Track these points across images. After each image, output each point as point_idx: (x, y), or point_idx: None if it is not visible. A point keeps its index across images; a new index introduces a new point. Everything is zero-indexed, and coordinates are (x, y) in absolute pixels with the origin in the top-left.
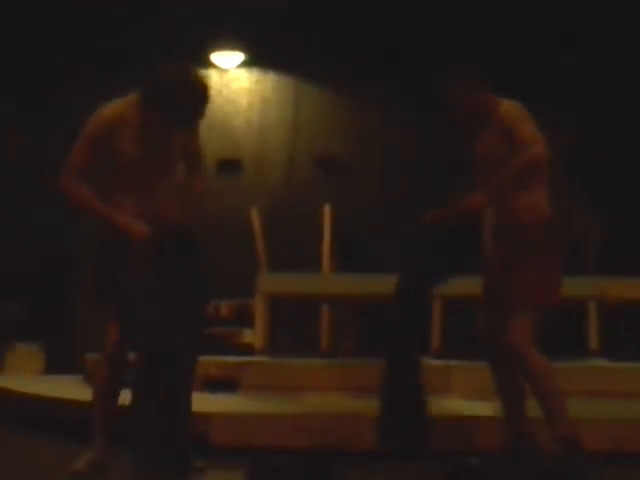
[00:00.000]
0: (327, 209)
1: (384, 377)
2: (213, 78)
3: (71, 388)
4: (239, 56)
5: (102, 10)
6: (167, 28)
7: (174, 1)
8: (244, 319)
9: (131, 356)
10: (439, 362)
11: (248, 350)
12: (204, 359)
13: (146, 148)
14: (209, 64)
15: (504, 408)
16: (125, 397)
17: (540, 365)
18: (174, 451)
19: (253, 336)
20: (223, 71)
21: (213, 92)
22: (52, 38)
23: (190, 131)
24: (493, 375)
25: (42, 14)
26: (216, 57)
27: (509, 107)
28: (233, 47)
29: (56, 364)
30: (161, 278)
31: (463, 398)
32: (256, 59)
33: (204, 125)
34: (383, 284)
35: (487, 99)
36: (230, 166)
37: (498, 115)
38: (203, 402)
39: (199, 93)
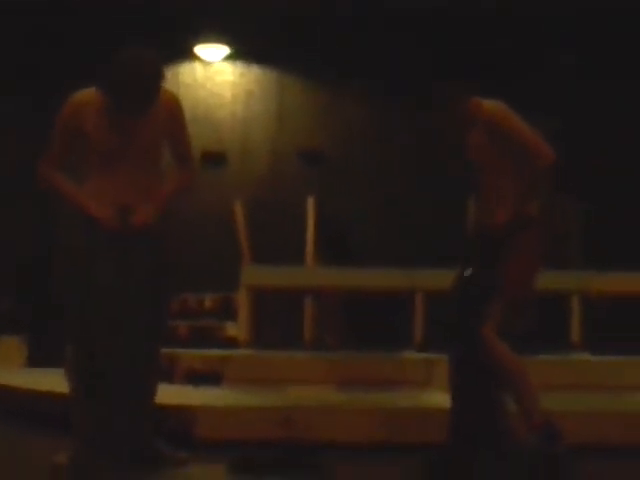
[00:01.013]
0: (311, 201)
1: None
2: (197, 71)
3: (53, 381)
4: (223, 49)
5: (100, 9)
6: (152, 22)
7: None
8: (228, 312)
9: None
10: (421, 355)
11: (232, 343)
12: (188, 352)
13: (116, 134)
14: (193, 57)
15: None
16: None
17: (509, 358)
18: (119, 440)
19: (237, 329)
20: (207, 64)
21: (197, 85)
22: (52, 38)
23: (169, 121)
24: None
25: (42, 14)
26: (200, 50)
27: (492, 107)
28: (217, 40)
29: (39, 357)
30: (116, 269)
31: (444, 391)
32: (240, 52)
33: (189, 118)
34: (366, 277)
35: (473, 103)
36: (214, 159)
37: (482, 116)
38: (187, 395)
39: (142, 76)
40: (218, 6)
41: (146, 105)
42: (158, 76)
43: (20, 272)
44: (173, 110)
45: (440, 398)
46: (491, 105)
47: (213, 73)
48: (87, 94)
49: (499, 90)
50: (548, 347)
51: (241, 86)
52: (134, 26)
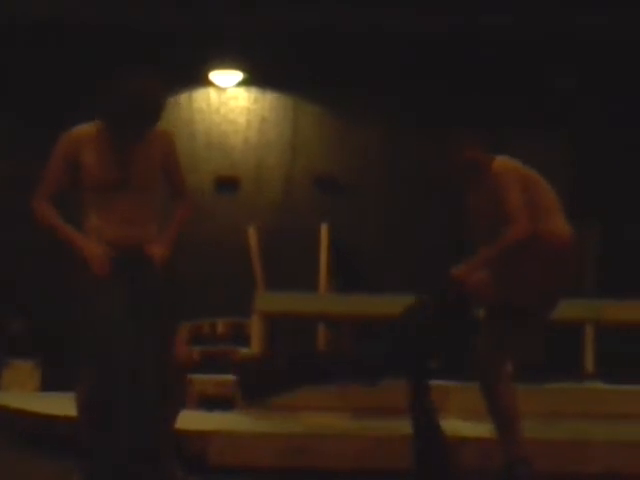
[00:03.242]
0: (324, 228)
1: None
2: (212, 96)
3: (67, 405)
4: (238, 75)
5: (114, 34)
6: (167, 47)
7: (175, 20)
8: (240, 338)
9: None
10: (437, 383)
11: None
12: (201, 377)
13: (112, 169)
14: (208, 82)
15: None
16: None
17: (509, 389)
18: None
19: (250, 355)
20: (222, 90)
21: (211, 110)
22: (67, 56)
23: (163, 154)
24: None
25: (57, 31)
26: (215, 76)
27: (500, 169)
28: (232, 66)
29: (52, 381)
30: (117, 299)
31: (460, 419)
32: (254, 78)
33: (203, 143)
34: (380, 304)
35: (484, 159)
36: (228, 184)
37: (490, 175)
38: (200, 420)
39: (137, 104)
40: (233, 32)
41: (144, 131)
42: (159, 103)
43: (34, 295)
44: (168, 145)
45: (455, 425)
46: (499, 167)
47: (227, 99)
48: (85, 129)
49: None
50: (561, 375)
51: (255, 112)
52: (149, 52)
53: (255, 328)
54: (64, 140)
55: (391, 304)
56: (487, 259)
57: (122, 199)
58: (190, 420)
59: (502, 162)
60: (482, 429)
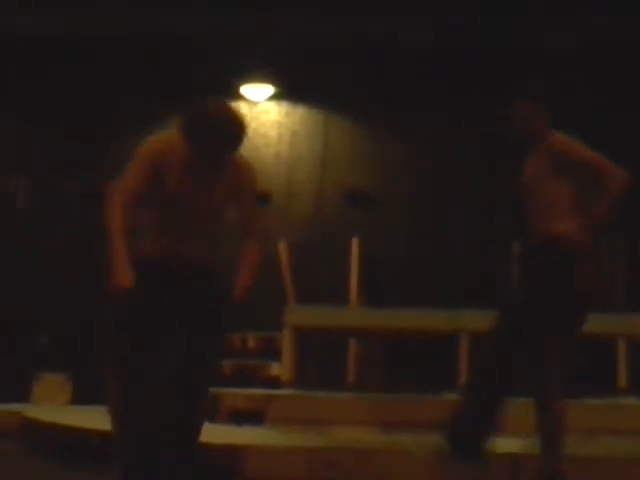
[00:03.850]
0: (355, 242)
1: None
2: (243, 110)
3: (99, 418)
4: (269, 89)
5: (146, 50)
6: (200, 61)
7: (207, 34)
8: (271, 352)
9: None
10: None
11: (275, 383)
12: (231, 391)
13: (189, 186)
14: (239, 96)
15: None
16: None
17: (560, 403)
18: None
19: (280, 369)
20: (253, 104)
21: None
22: (100, 72)
23: (239, 180)
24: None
25: (91, 48)
26: (246, 90)
27: (561, 139)
28: (263, 80)
29: (83, 395)
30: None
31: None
32: (286, 92)
33: None
34: (411, 318)
35: (543, 125)
36: (259, 199)
37: (547, 144)
38: (230, 434)
39: (228, 129)
40: (264, 45)
41: (224, 159)
42: (242, 126)
43: (61, 306)
44: (247, 179)
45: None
46: (559, 138)
47: (258, 113)
48: (167, 140)
49: None
50: (594, 391)
51: (286, 126)
52: (181, 67)
53: (286, 342)
54: (151, 146)
55: (421, 318)
56: (600, 217)
57: (188, 218)
58: (220, 434)
59: (560, 135)
60: (514, 445)
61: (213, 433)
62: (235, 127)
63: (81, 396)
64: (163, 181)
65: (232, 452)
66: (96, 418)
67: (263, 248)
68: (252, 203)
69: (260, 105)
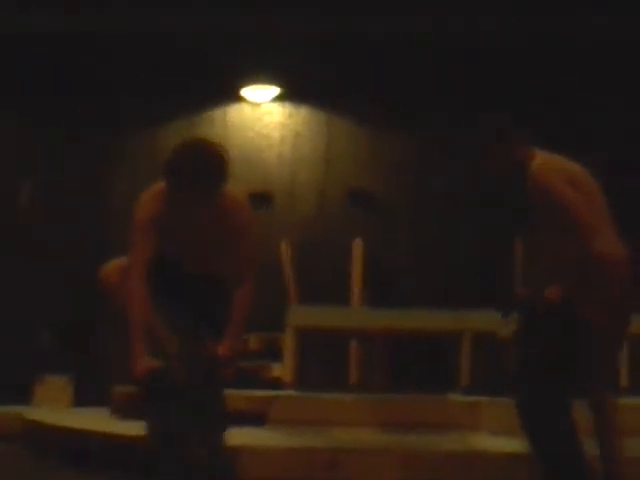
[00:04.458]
0: (357, 243)
1: None
2: (245, 112)
3: (101, 421)
4: (272, 90)
5: (146, 51)
6: (202, 63)
7: (208, 35)
8: (273, 353)
9: None
10: (468, 398)
11: (277, 384)
12: (232, 393)
13: (181, 234)
14: (241, 98)
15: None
16: None
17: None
18: None
19: (282, 370)
20: (255, 105)
21: (245, 126)
22: (100, 72)
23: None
24: None
25: (91, 48)
26: (248, 91)
27: (539, 169)
28: (265, 81)
29: (84, 397)
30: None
31: (493, 434)
32: (288, 93)
33: (237, 159)
34: (413, 319)
35: (521, 153)
36: (261, 199)
37: (530, 174)
38: (232, 436)
39: (197, 164)
40: (266, 47)
41: (203, 190)
42: (213, 161)
43: (63, 308)
44: (240, 220)
45: (488, 442)
46: (537, 167)
47: (261, 114)
48: (154, 188)
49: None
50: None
51: (289, 127)
52: (182, 68)
53: (288, 343)
54: (143, 212)
55: (425, 319)
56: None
57: (188, 264)
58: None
59: (543, 160)
60: (513, 445)
61: None
62: (205, 162)
63: (83, 398)
64: (159, 226)
65: (234, 454)
66: (98, 420)
67: (253, 289)
68: (247, 248)
69: (263, 106)
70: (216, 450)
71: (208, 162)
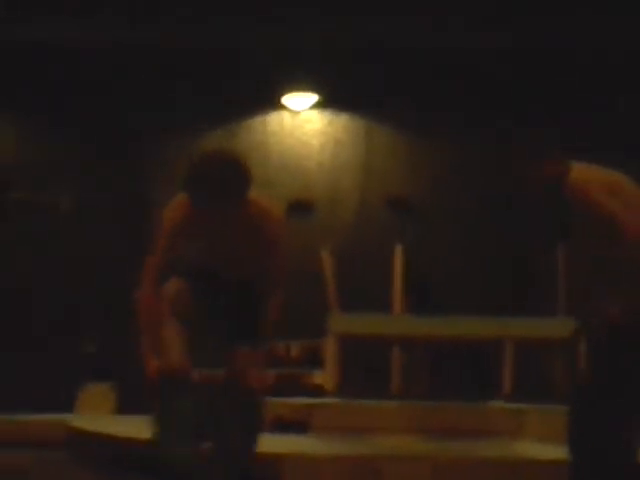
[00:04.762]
0: (399, 250)
1: None
2: (285, 119)
3: (144, 428)
4: (311, 98)
5: (192, 62)
6: (241, 71)
7: (249, 43)
8: (315, 360)
9: None
10: (510, 405)
11: (319, 391)
12: (275, 400)
13: (211, 236)
14: (281, 106)
15: None
16: None
17: None
18: None
19: (324, 377)
20: (295, 113)
21: (285, 133)
22: (131, 87)
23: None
24: None
25: (122, 64)
26: (288, 99)
27: (576, 181)
28: (305, 89)
29: (127, 403)
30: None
31: (536, 441)
32: (328, 101)
33: (277, 166)
34: (455, 326)
35: (555, 168)
36: (302, 207)
37: (567, 186)
38: (274, 443)
39: (213, 174)
40: (306, 55)
41: (222, 201)
42: (231, 167)
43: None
44: (265, 220)
45: (531, 448)
46: (573, 180)
47: (301, 121)
48: (181, 202)
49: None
50: None
51: (329, 134)
52: (222, 78)
53: (329, 350)
54: (168, 216)
55: (466, 325)
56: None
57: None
58: (264, 443)
59: (580, 172)
60: (558, 452)
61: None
62: (221, 172)
63: (125, 405)
64: (179, 243)
65: (277, 461)
66: (140, 427)
67: (282, 303)
68: (277, 257)
69: (302, 114)
70: (233, 452)
71: (224, 170)
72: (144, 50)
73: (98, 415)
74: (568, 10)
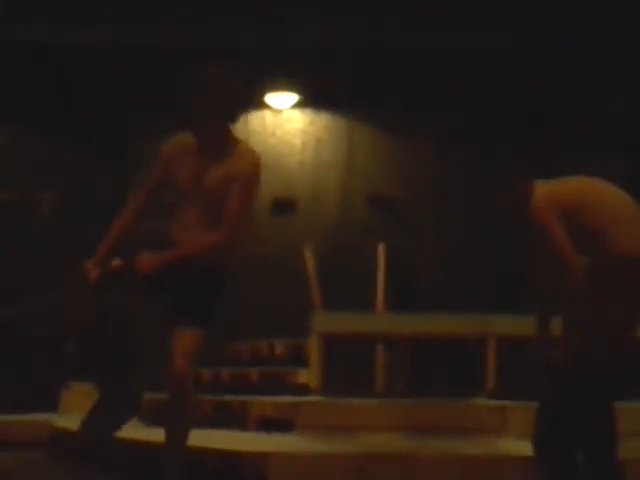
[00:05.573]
0: (381, 248)
1: None
2: (267, 118)
3: (127, 428)
4: (293, 97)
5: (171, 59)
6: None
7: (231, 43)
8: (299, 358)
9: None
10: (494, 403)
11: (303, 390)
12: (259, 399)
13: (192, 174)
14: (263, 105)
15: None
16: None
17: None
18: None
19: (308, 376)
20: (277, 112)
21: (267, 132)
22: (131, 87)
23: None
24: None
25: (123, 63)
26: (270, 98)
27: (536, 207)
28: (287, 88)
29: None
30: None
31: (520, 439)
32: (310, 100)
33: None
34: (438, 323)
35: (524, 192)
36: (284, 206)
37: (529, 212)
38: (259, 442)
39: (214, 88)
40: (287, 54)
41: (219, 121)
42: (234, 88)
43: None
44: (245, 168)
45: (514, 445)
46: (534, 206)
47: (283, 120)
48: (180, 137)
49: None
50: None
51: (311, 133)
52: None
53: (313, 349)
54: (166, 145)
55: (449, 323)
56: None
57: (192, 206)
58: (249, 442)
59: (540, 195)
60: None
61: (242, 441)
62: (198, 73)
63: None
64: (175, 175)
65: (262, 460)
66: (125, 427)
67: (220, 241)
68: (239, 193)
69: (284, 113)
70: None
71: (212, 78)
72: (144, 50)
73: (82, 415)
74: (568, 10)
